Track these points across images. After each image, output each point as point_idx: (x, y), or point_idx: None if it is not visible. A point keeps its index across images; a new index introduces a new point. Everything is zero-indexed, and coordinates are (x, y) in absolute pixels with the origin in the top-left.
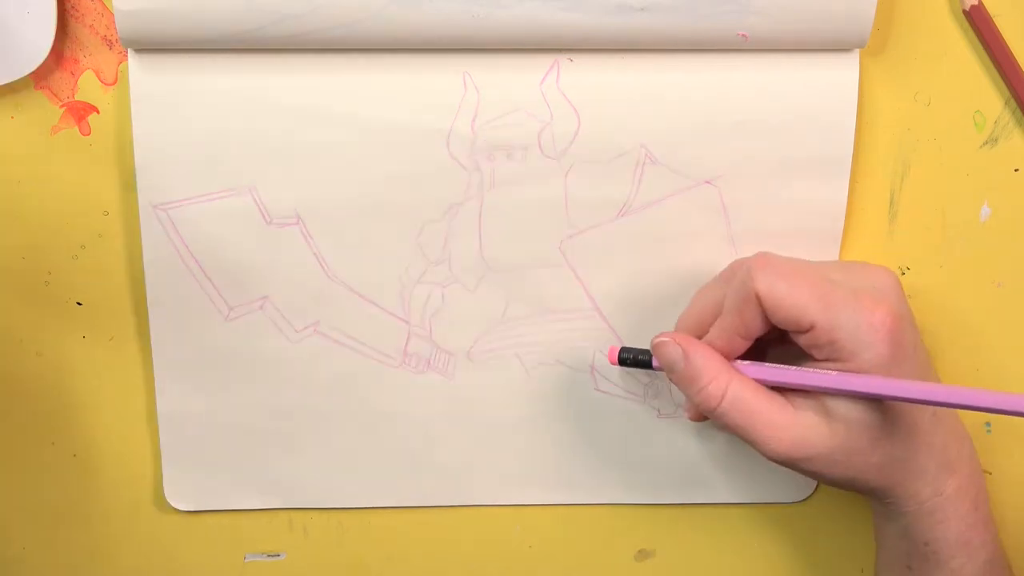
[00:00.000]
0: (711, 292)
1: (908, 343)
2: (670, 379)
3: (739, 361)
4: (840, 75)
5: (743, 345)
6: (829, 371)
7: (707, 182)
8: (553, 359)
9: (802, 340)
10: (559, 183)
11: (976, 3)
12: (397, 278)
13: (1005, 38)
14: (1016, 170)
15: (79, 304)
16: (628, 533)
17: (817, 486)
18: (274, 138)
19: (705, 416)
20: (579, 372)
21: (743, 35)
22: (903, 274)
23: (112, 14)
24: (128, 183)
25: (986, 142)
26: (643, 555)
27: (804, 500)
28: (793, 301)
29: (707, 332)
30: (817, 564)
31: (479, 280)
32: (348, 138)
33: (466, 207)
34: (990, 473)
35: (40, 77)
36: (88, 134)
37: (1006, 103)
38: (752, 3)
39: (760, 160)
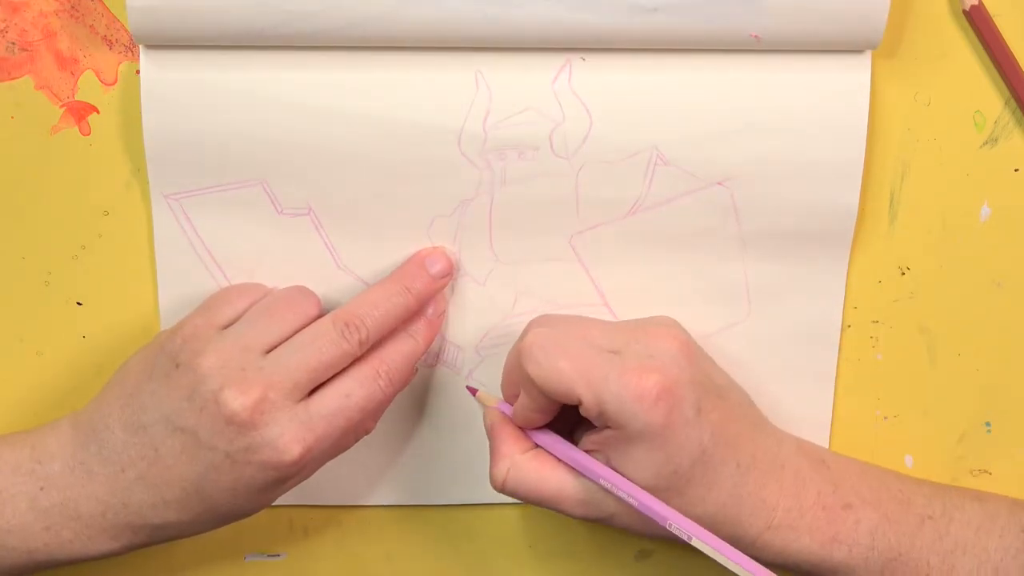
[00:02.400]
0: (513, 354)
1: (687, 406)
2: None
3: (535, 431)
4: (852, 76)
5: (541, 419)
6: (606, 468)
7: (719, 183)
8: None
9: (580, 411)
10: (570, 182)
11: (976, 3)
12: None
13: (1005, 38)
14: (1016, 170)
15: (79, 304)
16: (628, 533)
17: None
18: (286, 134)
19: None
20: None
21: (755, 36)
22: (903, 274)
23: (112, 14)
24: (129, 183)
25: (986, 142)
26: (643, 555)
27: None
28: (558, 379)
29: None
30: None
31: (488, 273)
32: (359, 135)
33: (476, 203)
34: (989, 472)
35: (40, 77)
36: (88, 134)
37: (1006, 103)
38: (764, 4)
39: (771, 161)
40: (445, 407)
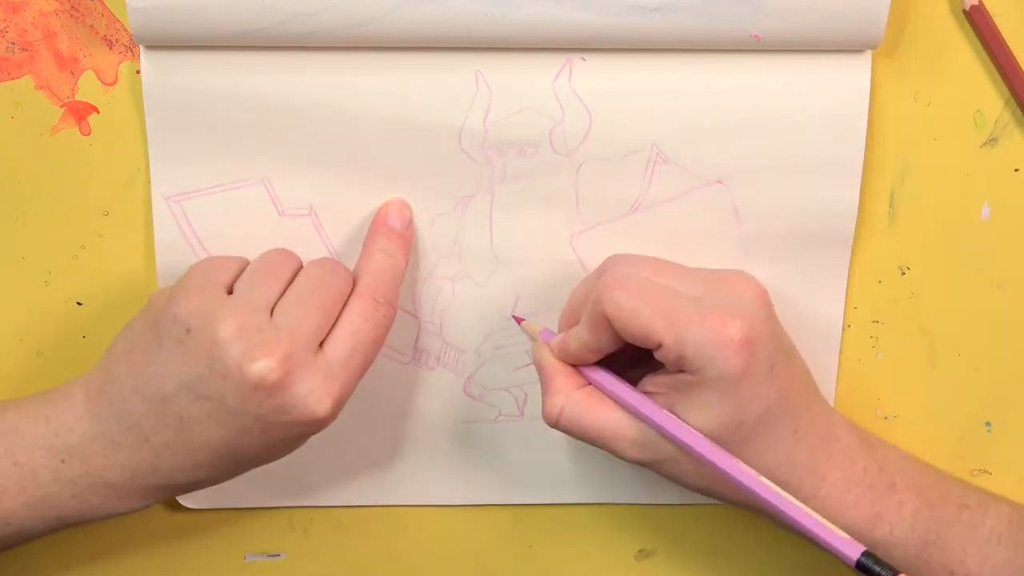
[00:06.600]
0: (583, 289)
1: (763, 360)
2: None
3: (588, 369)
4: (852, 76)
5: (594, 357)
6: (663, 410)
7: (718, 182)
8: None
9: (656, 355)
10: (570, 179)
11: (976, 3)
12: (408, 272)
13: (1005, 38)
14: (1016, 170)
15: (79, 304)
16: (628, 533)
17: None
18: (287, 134)
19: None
20: None
21: (756, 36)
22: (903, 274)
23: (112, 14)
24: (129, 183)
25: (986, 142)
26: (643, 555)
27: None
28: (640, 321)
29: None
30: (818, 564)
31: (489, 275)
32: (360, 135)
33: (477, 200)
34: (989, 472)
35: (40, 77)
36: (88, 134)
37: (1006, 103)
38: (765, 4)
39: (771, 160)
40: (445, 409)
